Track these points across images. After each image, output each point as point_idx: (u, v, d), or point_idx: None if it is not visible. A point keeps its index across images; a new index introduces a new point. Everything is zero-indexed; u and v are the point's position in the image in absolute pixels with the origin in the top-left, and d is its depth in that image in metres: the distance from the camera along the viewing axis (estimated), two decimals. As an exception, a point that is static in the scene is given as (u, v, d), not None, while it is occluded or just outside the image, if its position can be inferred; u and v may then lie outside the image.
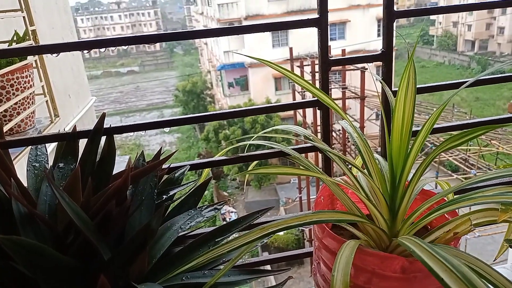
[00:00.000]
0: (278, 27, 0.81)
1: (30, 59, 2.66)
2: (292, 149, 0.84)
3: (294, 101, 0.88)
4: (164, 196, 0.78)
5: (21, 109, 2.54)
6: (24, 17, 2.55)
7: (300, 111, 13.07)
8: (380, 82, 0.86)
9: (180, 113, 26.01)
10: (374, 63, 0.93)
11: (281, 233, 13.78)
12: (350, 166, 0.85)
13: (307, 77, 12.61)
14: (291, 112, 17.65)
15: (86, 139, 0.81)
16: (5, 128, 2.39)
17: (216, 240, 0.73)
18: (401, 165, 0.72)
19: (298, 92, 13.35)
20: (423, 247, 0.58)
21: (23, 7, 2.58)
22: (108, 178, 0.77)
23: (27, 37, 2.61)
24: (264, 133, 0.91)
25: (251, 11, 20.43)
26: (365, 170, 0.84)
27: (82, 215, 0.55)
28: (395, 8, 0.84)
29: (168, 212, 0.77)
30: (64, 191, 0.64)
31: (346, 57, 0.84)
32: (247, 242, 0.63)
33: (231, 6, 21.24)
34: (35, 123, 2.76)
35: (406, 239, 0.64)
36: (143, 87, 35.74)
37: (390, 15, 0.83)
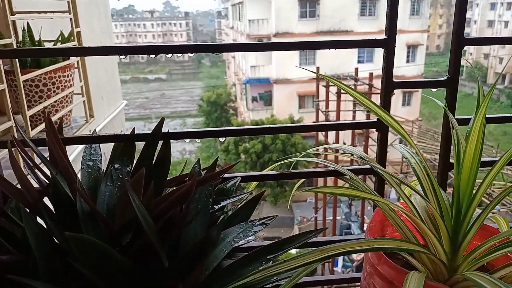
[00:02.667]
0: (343, 45, 0.79)
1: (73, 59, 2.73)
2: (348, 169, 0.82)
3: (353, 121, 0.86)
4: (216, 206, 0.77)
5: (59, 107, 2.60)
6: (71, 18, 2.64)
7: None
8: (444, 109, 0.83)
9: (202, 122, 26.26)
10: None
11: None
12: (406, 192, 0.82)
13: (332, 97, 12.57)
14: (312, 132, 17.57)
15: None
16: (42, 126, 2.44)
17: (268, 257, 0.70)
18: (468, 197, 0.68)
19: (322, 112, 13.29)
20: (497, 285, 0.55)
21: (71, 9, 2.67)
22: (162, 183, 0.76)
23: (72, 38, 2.69)
24: (316, 150, 0.89)
25: (281, 28, 20.63)
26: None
27: (148, 219, 0.54)
28: (464, 35, 0.81)
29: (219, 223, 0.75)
30: (127, 192, 0.63)
31: (410, 80, 0.82)
32: (306, 263, 0.60)
33: (262, 22, 21.51)
34: (71, 122, 2.82)
35: (475, 275, 0.60)
36: (168, 94, 36.35)
37: (459, 42, 0.81)
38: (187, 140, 0.89)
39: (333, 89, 12.61)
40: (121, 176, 0.76)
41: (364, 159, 0.84)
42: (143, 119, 29.64)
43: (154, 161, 0.79)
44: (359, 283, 0.91)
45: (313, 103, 18.66)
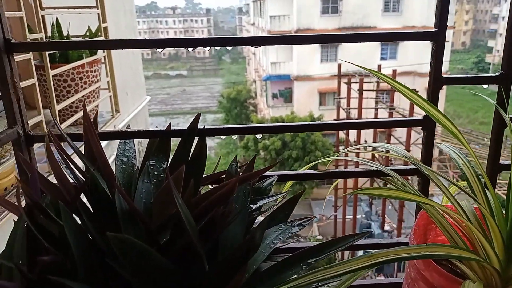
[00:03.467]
0: (389, 38, 0.75)
1: (100, 54, 2.75)
2: (392, 169, 0.77)
3: (396, 119, 0.82)
4: (253, 206, 0.74)
5: (86, 102, 2.62)
6: (98, 14, 2.65)
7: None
8: (496, 106, 0.78)
9: (222, 119, 26.35)
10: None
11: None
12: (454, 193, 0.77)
13: (354, 94, 12.38)
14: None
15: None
16: (70, 120, 2.47)
17: (309, 261, 0.67)
18: (527, 201, 0.63)
19: (343, 109, 13.09)
20: None
21: (99, 5, 2.68)
22: (199, 181, 0.74)
23: (99, 33, 2.71)
24: (356, 148, 0.85)
25: (302, 24, 20.42)
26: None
27: (190, 219, 0.51)
28: (520, 27, 0.76)
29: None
30: (165, 190, 0.61)
31: (461, 76, 0.77)
32: (353, 270, 0.57)
33: (283, 18, 21.35)
34: (98, 116, 2.84)
35: (539, 288, 0.55)
36: (189, 91, 36.63)
37: (515, 33, 0.75)
38: (223, 137, 0.86)
39: (355, 86, 12.41)
40: (156, 173, 0.74)
41: (408, 159, 0.79)
42: (164, 114, 29.96)
43: (189, 158, 0.77)
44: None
45: (334, 100, 18.43)
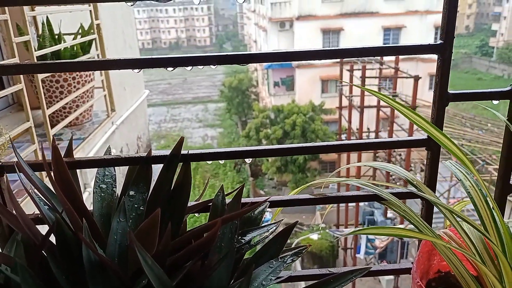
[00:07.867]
0: (389, 52, 0.68)
1: (93, 53, 2.67)
2: (390, 193, 0.71)
3: (398, 139, 0.75)
4: (242, 239, 0.68)
5: (80, 102, 2.56)
6: (91, 10, 2.57)
7: (345, 114, 12.68)
8: (506, 123, 0.71)
9: (224, 108, 26.21)
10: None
11: (315, 237, 13.50)
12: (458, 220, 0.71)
13: (356, 81, 12.26)
14: (335, 116, 17.26)
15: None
16: (65, 122, 2.41)
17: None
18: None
19: (346, 97, 12.98)
20: None
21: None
22: (182, 211, 0.68)
23: (92, 31, 2.63)
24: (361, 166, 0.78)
25: (304, 11, 20.20)
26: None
27: (164, 280, 0.45)
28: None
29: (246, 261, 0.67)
30: (140, 234, 0.55)
31: (469, 91, 0.70)
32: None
33: (284, 5, 21.11)
34: (93, 116, 2.78)
35: None
36: (190, 80, 36.42)
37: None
38: (248, 161, 0.79)
39: (357, 73, 12.27)
40: (136, 206, 0.68)
41: (411, 182, 0.73)
42: (166, 104, 29.84)
43: (172, 186, 0.71)
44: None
45: (336, 87, 18.23)
